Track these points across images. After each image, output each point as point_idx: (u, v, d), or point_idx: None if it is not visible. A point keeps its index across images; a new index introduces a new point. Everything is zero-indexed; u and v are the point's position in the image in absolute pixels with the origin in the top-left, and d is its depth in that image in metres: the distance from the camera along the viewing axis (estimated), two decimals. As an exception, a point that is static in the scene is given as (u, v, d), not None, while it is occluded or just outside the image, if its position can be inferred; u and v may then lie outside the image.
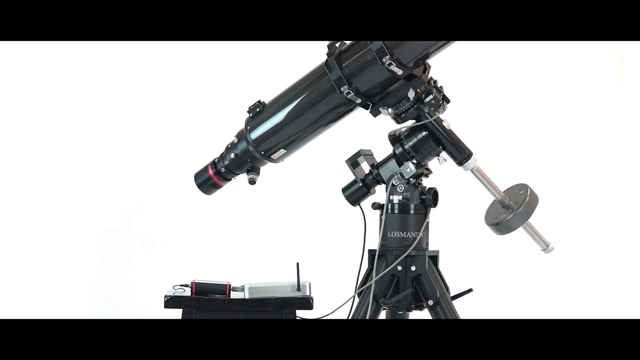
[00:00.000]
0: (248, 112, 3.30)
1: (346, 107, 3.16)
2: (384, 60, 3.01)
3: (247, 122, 3.30)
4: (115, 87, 5.01)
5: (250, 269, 4.75)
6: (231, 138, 3.36)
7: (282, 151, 3.28)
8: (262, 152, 3.28)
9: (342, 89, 3.08)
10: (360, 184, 3.19)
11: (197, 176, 3.44)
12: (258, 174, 3.37)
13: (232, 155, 3.34)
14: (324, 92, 3.14)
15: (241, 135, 3.32)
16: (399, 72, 3.03)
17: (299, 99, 3.18)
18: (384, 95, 3.12)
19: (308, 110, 3.17)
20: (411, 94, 3.07)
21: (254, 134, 3.27)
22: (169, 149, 5.03)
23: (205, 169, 3.43)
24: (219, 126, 4.66)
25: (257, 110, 3.27)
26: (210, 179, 3.41)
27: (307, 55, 3.32)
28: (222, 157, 3.38)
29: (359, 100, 3.11)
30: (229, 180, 3.42)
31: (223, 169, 3.37)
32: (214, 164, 3.40)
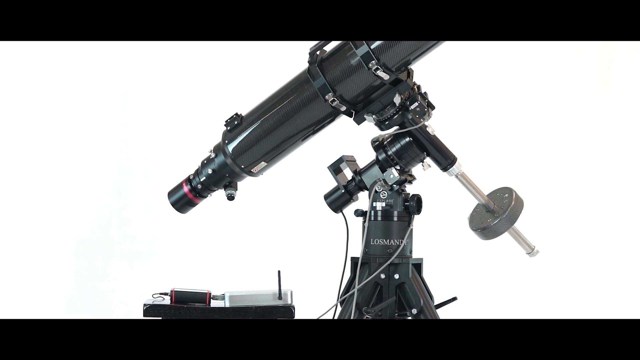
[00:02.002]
0: (225, 125, 3.23)
1: (330, 116, 3.12)
2: (370, 65, 2.97)
3: (225, 136, 3.23)
4: (94, 92, 4.97)
5: (231, 276, 4.72)
6: (206, 153, 3.29)
7: (263, 164, 3.22)
8: (242, 166, 3.21)
9: (326, 96, 3.04)
10: (343, 191, 3.15)
11: (171, 194, 3.35)
12: (236, 189, 3.29)
13: (209, 171, 3.26)
14: (307, 100, 3.09)
15: (218, 149, 3.25)
16: (386, 77, 2.99)
17: (280, 109, 3.13)
18: (368, 102, 3.08)
19: (290, 120, 3.12)
20: (397, 99, 3.03)
21: (233, 147, 3.20)
22: (148, 155, 5.00)
23: (179, 186, 3.34)
24: (198, 132, 4.64)
25: (235, 123, 3.20)
26: (185, 197, 3.32)
27: (286, 57, 3.29)
28: (197, 172, 3.31)
29: (343, 108, 3.06)
30: (205, 197, 3.34)
31: (199, 186, 3.29)
32: (188, 180, 3.32)
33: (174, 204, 3.35)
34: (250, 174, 3.25)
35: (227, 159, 3.22)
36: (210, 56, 4.97)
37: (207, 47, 4.90)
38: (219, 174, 3.26)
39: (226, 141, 3.21)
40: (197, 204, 3.36)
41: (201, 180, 3.28)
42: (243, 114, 3.21)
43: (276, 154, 3.20)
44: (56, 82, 4.96)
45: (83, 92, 4.97)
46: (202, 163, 3.29)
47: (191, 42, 4.77)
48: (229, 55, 4.97)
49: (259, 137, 3.16)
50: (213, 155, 3.26)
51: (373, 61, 2.97)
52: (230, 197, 3.28)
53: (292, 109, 3.11)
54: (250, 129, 3.17)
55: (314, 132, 3.17)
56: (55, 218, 4.94)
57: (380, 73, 2.97)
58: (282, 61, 4.22)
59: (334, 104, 3.04)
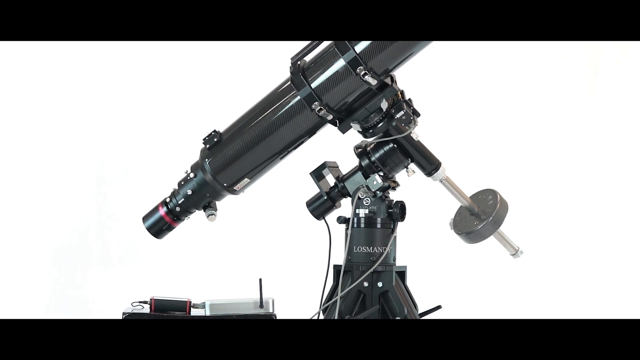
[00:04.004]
0: (204, 142, 3.14)
1: (316, 127, 3.07)
2: (358, 70, 2.93)
3: (204, 153, 3.14)
4: (70, 96, 4.94)
5: (212, 284, 4.69)
6: (182, 174, 3.20)
7: (246, 181, 3.14)
8: (225, 184, 3.13)
9: (313, 106, 2.99)
10: (325, 197, 3.12)
11: (147, 218, 3.24)
12: (215, 209, 3.21)
13: (188, 191, 3.16)
14: (292, 111, 3.03)
15: (197, 168, 3.16)
16: (373, 82, 2.95)
17: (263, 122, 3.07)
18: (353, 110, 3.03)
19: (274, 132, 3.05)
20: (384, 105, 3.00)
21: (214, 165, 3.12)
22: (127, 161, 4.97)
23: (155, 210, 3.23)
24: (177, 140, 4.63)
25: (215, 140, 3.11)
26: (161, 220, 3.22)
27: (261, 69, 3.23)
28: (174, 194, 3.21)
29: (330, 117, 3.01)
30: (182, 220, 3.24)
31: (177, 208, 3.19)
32: (165, 203, 3.22)
33: (150, 229, 3.24)
34: (233, 192, 3.18)
35: (207, 177, 3.13)
36: (190, 63, 4.95)
37: (189, 53, 4.88)
38: (199, 194, 3.17)
39: (206, 159, 3.13)
40: (174, 228, 3.26)
41: (179, 202, 3.18)
42: (222, 131, 3.13)
43: (260, 169, 3.13)
44: (33, 87, 4.93)
45: (59, 96, 4.95)
46: (179, 184, 3.20)
47: (172, 48, 4.74)
48: (207, 64, 4.94)
49: (242, 152, 3.09)
50: (192, 175, 3.17)
51: (361, 67, 2.93)
52: (212, 218, 3.19)
53: (277, 120, 3.05)
54: (232, 145, 3.10)
55: (299, 144, 3.11)
56: (33, 225, 4.91)
57: (368, 78, 2.94)
58: (258, 73, 4.18)
59: (321, 113, 3.00)
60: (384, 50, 2.92)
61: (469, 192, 3.06)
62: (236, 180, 3.14)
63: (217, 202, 3.24)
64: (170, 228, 3.24)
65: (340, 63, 2.96)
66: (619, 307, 5.02)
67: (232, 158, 3.10)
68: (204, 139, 3.14)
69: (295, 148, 3.13)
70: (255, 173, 3.14)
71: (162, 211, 3.21)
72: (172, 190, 3.22)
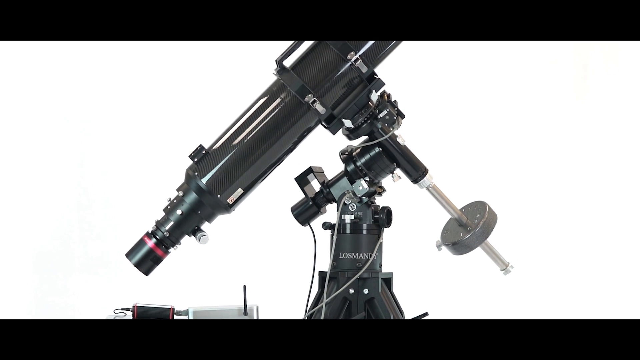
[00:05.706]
0: (191, 157, 3.04)
1: (310, 126, 3.02)
2: (349, 56, 2.94)
3: (193, 169, 3.04)
4: (53, 101, 4.90)
5: (195, 291, 4.66)
6: (164, 202, 3.09)
7: (239, 192, 3.05)
8: (219, 195, 3.03)
9: (306, 98, 2.97)
10: (310, 203, 3.11)
11: (133, 254, 3.10)
12: (204, 231, 3.10)
13: (178, 212, 3.05)
14: (286, 109, 3.00)
15: (187, 189, 3.05)
16: (364, 69, 2.96)
17: (255, 123, 3.02)
18: (344, 106, 3.01)
19: (270, 134, 3.00)
20: (374, 97, 3.00)
21: (206, 177, 3.02)
22: (108, 166, 4.94)
23: (140, 244, 3.09)
24: (159, 146, 4.58)
25: (203, 152, 3.02)
26: (151, 253, 3.08)
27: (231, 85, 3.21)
28: (160, 223, 3.09)
29: (323, 110, 2.98)
30: (169, 251, 3.11)
31: (167, 234, 3.07)
32: (151, 234, 3.09)
33: (139, 265, 3.10)
34: (227, 207, 3.08)
35: (199, 193, 3.03)
36: (174, 65, 4.93)
37: (176, 56, 4.86)
38: (191, 215, 3.07)
39: (196, 173, 3.03)
40: (162, 260, 3.12)
41: (168, 228, 3.07)
42: (207, 145, 3.06)
43: (253, 170, 3.05)
44: (15, 89, 4.89)
45: (42, 100, 4.91)
46: (165, 210, 3.09)
47: (162, 50, 4.72)
48: (187, 66, 4.93)
49: (236, 157, 3.02)
50: (180, 194, 3.06)
51: (352, 52, 2.94)
52: (204, 239, 3.09)
53: (271, 121, 3.01)
54: (224, 152, 3.02)
55: (291, 149, 3.06)
56: (14, 230, 4.87)
57: (359, 64, 2.94)
58: (238, 79, 4.15)
59: (315, 105, 2.97)
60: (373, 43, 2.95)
61: (458, 200, 3.04)
62: (231, 190, 3.05)
63: (203, 227, 3.14)
64: (158, 261, 3.10)
65: (330, 52, 2.97)
66: (613, 309, 5.03)
67: (225, 166, 3.03)
68: (190, 155, 3.05)
69: (289, 152, 3.08)
70: (251, 183, 3.06)
71: (151, 243, 3.09)
72: (155, 221, 3.12)
